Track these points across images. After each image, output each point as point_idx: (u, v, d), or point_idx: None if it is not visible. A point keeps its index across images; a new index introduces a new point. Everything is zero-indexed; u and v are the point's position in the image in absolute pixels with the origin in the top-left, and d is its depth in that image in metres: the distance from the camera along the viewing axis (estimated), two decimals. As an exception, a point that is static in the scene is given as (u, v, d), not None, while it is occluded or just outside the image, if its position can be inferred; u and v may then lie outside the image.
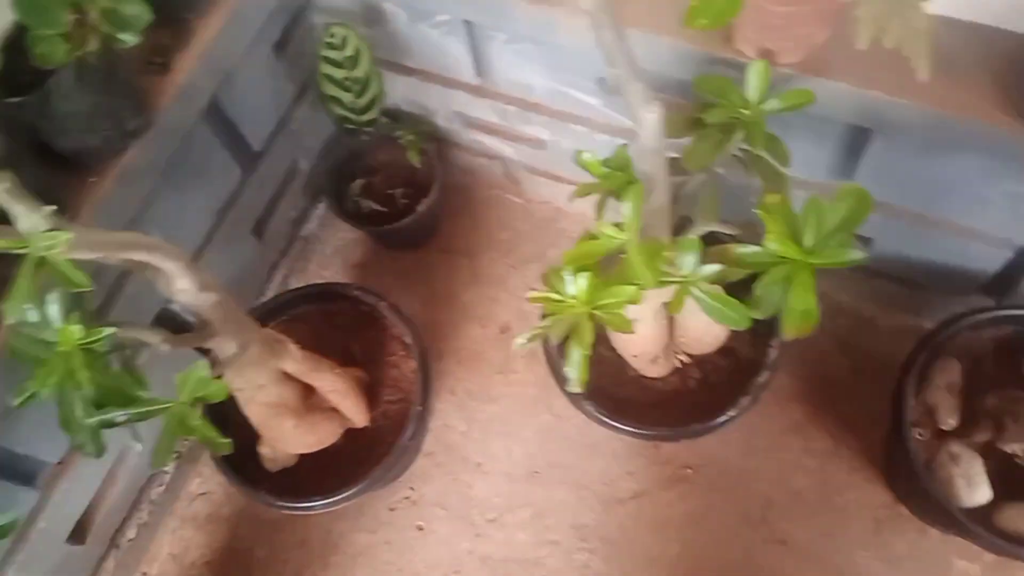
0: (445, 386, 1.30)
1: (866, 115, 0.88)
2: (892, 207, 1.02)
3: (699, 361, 1.09)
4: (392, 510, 1.24)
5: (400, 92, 1.27)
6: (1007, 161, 0.86)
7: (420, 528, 1.23)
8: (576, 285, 0.77)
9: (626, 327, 0.77)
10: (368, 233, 1.30)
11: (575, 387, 0.83)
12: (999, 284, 1.08)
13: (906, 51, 0.71)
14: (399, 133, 1.23)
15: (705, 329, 1.00)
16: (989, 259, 1.04)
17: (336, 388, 1.04)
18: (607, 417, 1.04)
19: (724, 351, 1.10)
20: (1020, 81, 0.80)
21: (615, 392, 1.09)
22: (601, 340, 1.07)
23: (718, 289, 0.86)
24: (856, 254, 0.75)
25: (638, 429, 1.04)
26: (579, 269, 0.79)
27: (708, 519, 1.19)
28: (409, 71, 1.21)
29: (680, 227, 0.93)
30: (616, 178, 0.86)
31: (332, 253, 1.39)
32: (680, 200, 0.92)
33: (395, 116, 1.32)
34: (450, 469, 1.26)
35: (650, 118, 0.74)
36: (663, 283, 0.80)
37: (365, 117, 1.15)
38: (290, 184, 1.28)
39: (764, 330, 1.07)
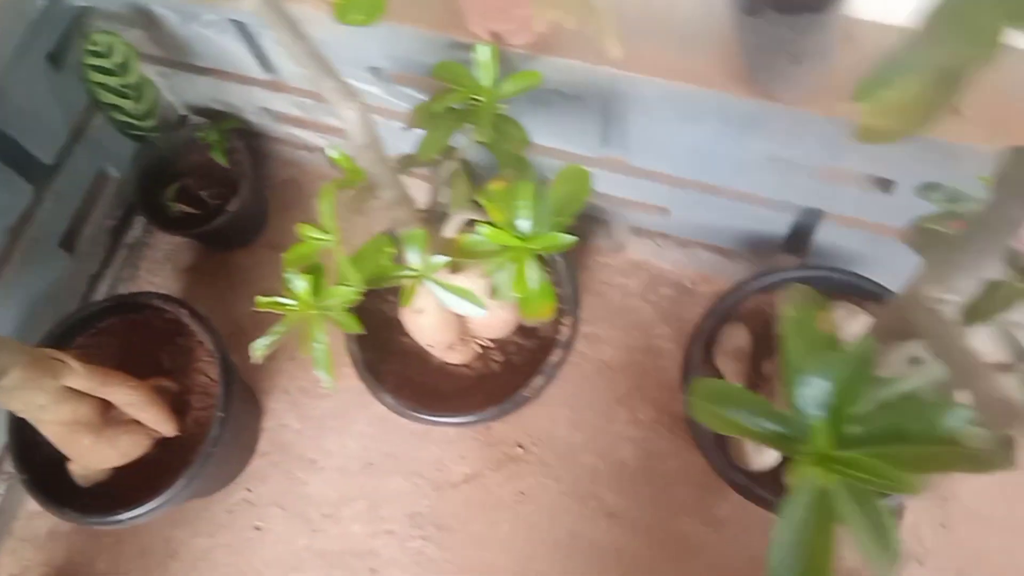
0: (278, 385, 1.29)
1: (608, 90, 0.87)
2: (671, 177, 1.02)
3: (501, 344, 1.09)
4: (230, 512, 1.24)
5: (204, 91, 1.24)
6: (751, 127, 0.86)
7: (258, 528, 1.23)
8: (298, 288, 0.76)
9: (353, 327, 0.76)
10: (187, 237, 1.28)
11: (328, 385, 0.83)
12: (794, 245, 1.09)
13: (590, 30, 0.70)
14: (200, 134, 1.21)
15: (489, 314, 1.00)
16: (776, 222, 1.05)
17: (132, 401, 1.03)
18: (407, 408, 1.04)
19: (527, 332, 1.10)
20: (742, 47, 0.80)
21: (422, 381, 1.09)
22: (403, 330, 1.07)
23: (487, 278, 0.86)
24: (568, 238, 0.75)
25: (435, 417, 1.04)
26: (307, 271, 0.78)
27: (538, 496, 1.19)
28: (204, 71, 1.19)
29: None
30: (362, 173, 0.85)
31: (162, 259, 1.37)
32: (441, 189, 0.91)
33: (208, 115, 1.30)
34: (286, 468, 1.25)
35: (350, 115, 0.73)
36: (397, 278, 0.80)
37: (149, 123, 1.13)
38: (101, 193, 1.25)
39: (565, 309, 1.07)
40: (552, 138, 1.04)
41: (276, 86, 1.16)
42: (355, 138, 0.74)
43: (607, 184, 1.10)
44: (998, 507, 1.11)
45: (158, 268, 1.37)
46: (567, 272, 1.08)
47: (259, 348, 0.79)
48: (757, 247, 1.12)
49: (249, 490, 1.25)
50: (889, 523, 0.48)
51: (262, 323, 1.30)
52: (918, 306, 0.50)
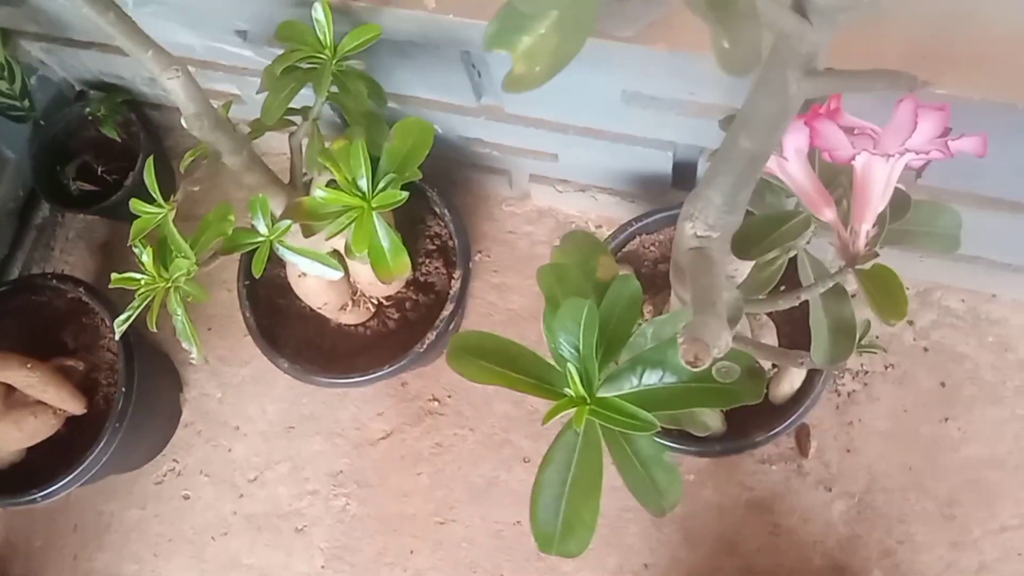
0: (197, 355, 1.30)
1: (457, 39, 0.86)
2: (547, 121, 1.01)
3: (397, 302, 1.10)
4: (158, 484, 1.26)
5: (92, 65, 1.23)
6: (601, 67, 0.84)
7: (186, 497, 1.25)
8: (145, 261, 0.77)
9: (200, 297, 0.77)
10: (89, 214, 1.28)
11: (197, 359, 0.83)
12: (682, 182, 1.08)
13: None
14: (90, 109, 1.20)
15: (372, 273, 1.00)
16: (660, 160, 1.04)
17: (31, 383, 1.04)
18: (303, 372, 1.05)
19: (423, 287, 1.10)
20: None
21: (320, 344, 1.10)
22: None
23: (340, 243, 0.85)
24: (402, 194, 0.75)
25: (331, 379, 1.05)
26: (156, 243, 0.78)
27: (455, 447, 1.21)
28: (85, 44, 1.17)
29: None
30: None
31: (75, 237, 1.37)
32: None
33: (104, 89, 1.29)
34: (209, 436, 1.27)
35: (172, 84, 0.72)
36: (246, 245, 0.80)
37: (26, 103, 1.12)
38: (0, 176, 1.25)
39: (456, 262, 1.07)
40: (428, 90, 1.02)
41: (157, 56, 1.15)
42: (184, 107, 0.74)
43: (494, 133, 1.09)
44: (902, 427, 1.13)
45: (71, 247, 1.37)
46: (456, 225, 1.07)
47: (119, 324, 0.80)
48: (648, 187, 1.11)
49: (176, 460, 1.27)
50: (656, 463, 0.48)
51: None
52: (681, 243, 0.50)
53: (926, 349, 1.15)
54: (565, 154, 1.09)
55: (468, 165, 1.21)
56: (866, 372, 1.15)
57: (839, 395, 1.15)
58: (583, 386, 0.46)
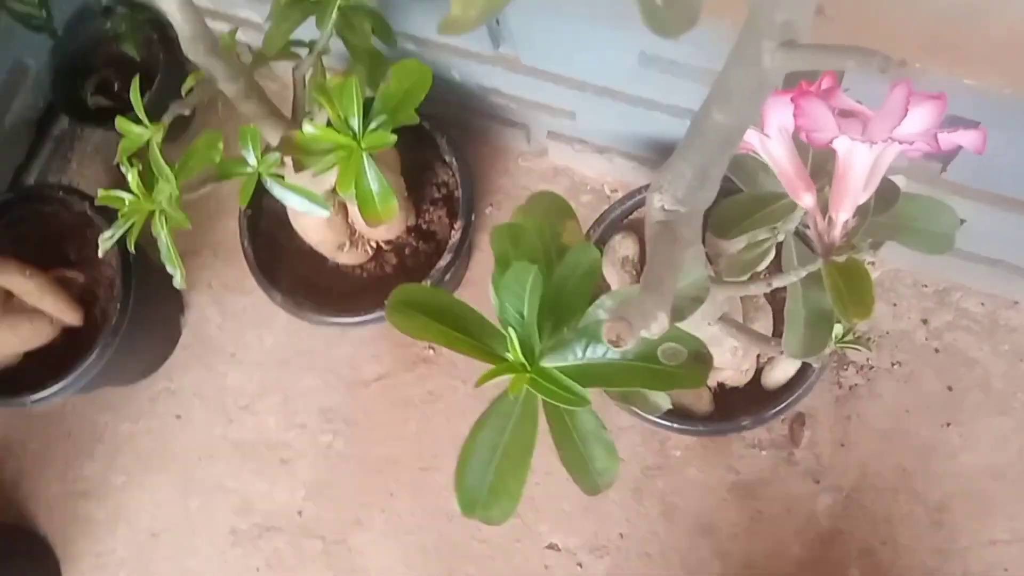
0: (202, 279, 1.31)
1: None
2: (563, 77, 0.98)
3: (397, 247, 1.08)
4: (152, 400, 1.28)
5: (120, -20, 1.22)
6: (618, 23, 0.81)
7: (178, 417, 1.27)
8: (131, 181, 0.76)
9: (181, 223, 0.76)
10: (106, 130, 1.28)
11: (179, 284, 0.83)
12: (700, 152, 1.05)
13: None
14: (110, 25, 1.19)
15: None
16: (679, 129, 1.00)
17: (29, 289, 1.05)
18: (295, 307, 1.05)
19: (424, 235, 1.09)
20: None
21: (316, 282, 1.09)
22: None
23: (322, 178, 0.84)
24: (391, 137, 0.73)
25: (322, 317, 1.04)
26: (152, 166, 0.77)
27: (445, 397, 1.21)
28: (111, -44, 1.16)
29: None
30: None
31: (92, 151, 1.37)
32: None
33: (131, 6, 1.27)
34: (206, 360, 1.28)
35: (166, 3, 0.70)
36: (236, 175, 0.79)
37: (44, 13, 1.11)
38: (20, 85, 1.25)
39: (458, 213, 1.05)
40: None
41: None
42: (180, 29, 0.72)
43: (511, 84, 1.05)
44: (901, 427, 1.09)
45: (89, 161, 1.37)
46: (463, 175, 1.05)
47: (103, 240, 0.80)
48: (667, 154, 1.07)
49: (171, 380, 1.28)
50: (597, 439, 0.47)
51: (191, 217, 1.31)
52: (649, 216, 0.47)
53: (937, 350, 1.11)
54: (583, 113, 1.05)
55: (486, 115, 1.18)
56: (871, 367, 1.12)
57: (840, 387, 1.12)
58: (523, 353, 0.44)
